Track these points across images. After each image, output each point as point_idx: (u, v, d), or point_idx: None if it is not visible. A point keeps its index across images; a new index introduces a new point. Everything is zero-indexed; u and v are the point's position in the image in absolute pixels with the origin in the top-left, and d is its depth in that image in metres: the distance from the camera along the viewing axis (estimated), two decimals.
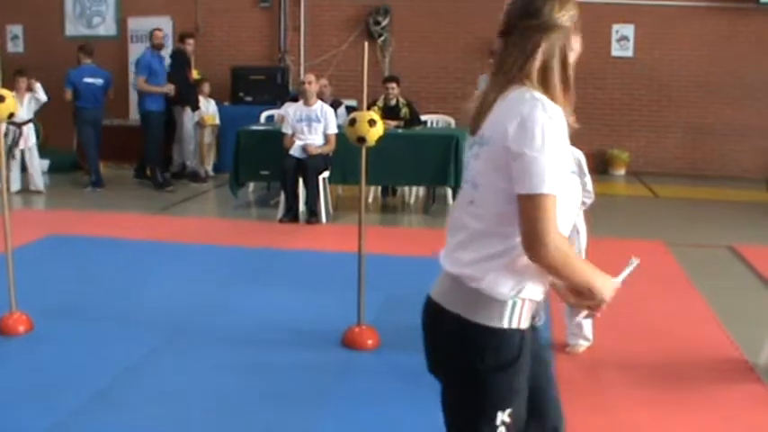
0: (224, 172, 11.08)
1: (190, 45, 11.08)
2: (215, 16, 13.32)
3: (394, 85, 9.60)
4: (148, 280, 6.05)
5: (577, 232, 4.33)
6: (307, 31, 13.28)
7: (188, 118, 11.10)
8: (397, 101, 9.58)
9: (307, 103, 8.43)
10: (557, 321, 4.95)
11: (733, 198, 10.70)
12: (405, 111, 9.54)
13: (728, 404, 3.98)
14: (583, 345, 4.61)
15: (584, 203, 4.02)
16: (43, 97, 10.19)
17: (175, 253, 6.99)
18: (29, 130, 10.04)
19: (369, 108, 9.55)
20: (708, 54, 12.47)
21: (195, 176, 11.25)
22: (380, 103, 9.57)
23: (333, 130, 8.38)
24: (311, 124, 8.38)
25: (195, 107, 11.12)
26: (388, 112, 9.32)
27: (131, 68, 13.34)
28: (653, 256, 7.10)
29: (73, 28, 13.83)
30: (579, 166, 3.94)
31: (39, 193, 10.03)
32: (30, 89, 10.03)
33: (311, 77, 8.56)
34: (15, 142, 9.81)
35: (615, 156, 12.69)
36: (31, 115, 10.03)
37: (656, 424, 3.73)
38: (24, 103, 9.78)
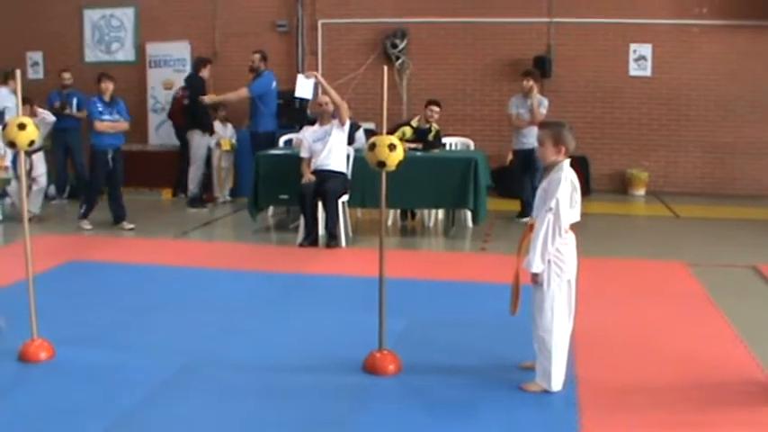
0: (241, 196, 11.10)
1: (206, 71, 11.09)
2: (232, 41, 13.42)
3: (437, 108, 9.57)
4: (168, 305, 6.04)
5: None
6: (324, 54, 13.36)
7: (202, 143, 11.10)
8: (431, 125, 9.57)
9: (322, 124, 8.49)
10: (579, 354, 4.91)
11: (755, 217, 10.60)
12: (432, 134, 9.56)
13: (755, 426, 3.92)
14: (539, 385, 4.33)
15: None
16: (51, 118, 10.23)
17: (195, 278, 6.99)
18: (39, 158, 10.01)
19: (401, 127, 9.59)
20: (726, 73, 12.43)
21: (193, 201, 11.07)
22: (414, 123, 9.58)
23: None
24: (327, 140, 8.39)
25: (211, 132, 11.18)
26: (419, 134, 9.36)
27: (150, 93, 13.48)
28: (674, 277, 7.04)
29: (92, 54, 13.98)
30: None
31: (33, 216, 9.61)
32: (34, 114, 9.80)
33: (326, 98, 8.55)
34: (28, 172, 9.76)
35: (634, 176, 12.63)
36: (41, 142, 9.93)
37: None
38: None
